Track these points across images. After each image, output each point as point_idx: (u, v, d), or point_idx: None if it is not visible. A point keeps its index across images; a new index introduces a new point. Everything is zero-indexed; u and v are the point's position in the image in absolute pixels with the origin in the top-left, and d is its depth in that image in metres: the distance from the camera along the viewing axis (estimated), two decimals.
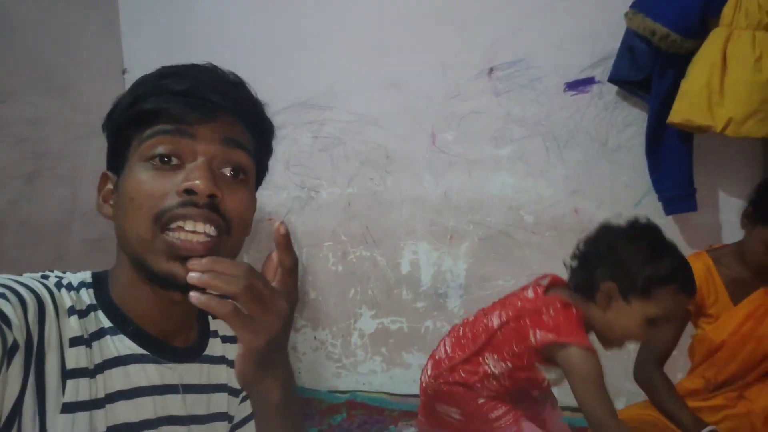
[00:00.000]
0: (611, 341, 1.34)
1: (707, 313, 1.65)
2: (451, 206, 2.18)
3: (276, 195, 2.40)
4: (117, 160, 0.69)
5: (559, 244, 2.13)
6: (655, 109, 1.86)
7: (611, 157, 2.06)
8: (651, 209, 2.01)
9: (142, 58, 2.44)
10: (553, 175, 2.12)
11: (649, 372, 1.69)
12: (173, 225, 0.62)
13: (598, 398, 1.28)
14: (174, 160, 0.64)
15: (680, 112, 1.73)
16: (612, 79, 1.97)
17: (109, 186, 0.71)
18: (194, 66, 0.69)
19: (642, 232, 1.31)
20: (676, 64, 1.78)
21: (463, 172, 2.19)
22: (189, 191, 0.62)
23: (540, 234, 2.14)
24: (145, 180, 0.64)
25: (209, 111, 0.65)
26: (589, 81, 2.06)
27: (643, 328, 1.27)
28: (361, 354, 2.37)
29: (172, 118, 0.64)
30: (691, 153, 1.86)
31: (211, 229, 0.64)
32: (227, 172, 0.67)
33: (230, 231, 0.66)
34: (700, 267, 1.63)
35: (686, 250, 1.87)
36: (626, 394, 2.07)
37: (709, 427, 1.51)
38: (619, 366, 2.08)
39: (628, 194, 2.06)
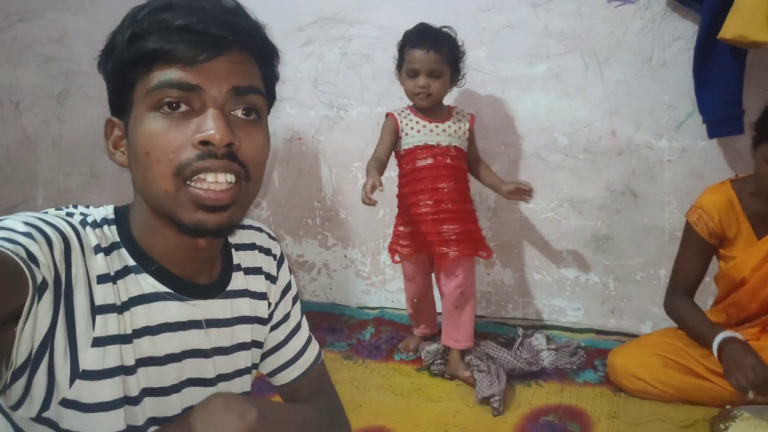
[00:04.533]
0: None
1: (729, 246, 1.61)
2: (482, 127, 2.11)
3: (304, 114, 2.36)
4: (121, 105, 0.67)
5: (593, 167, 2.06)
6: (707, 22, 1.71)
7: (655, 75, 1.94)
8: (693, 132, 1.91)
9: None
10: (591, 95, 2.01)
11: (675, 300, 1.68)
12: (195, 177, 0.63)
13: (379, 139, 1.88)
14: (183, 107, 0.63)
15: (733, 27, 1.58)
16: None
17: (117, 132, 0.69)
18: None
19: None
20: None
21: (495, 91, 2.10)
22: (205, 142, 0.62)
23: (573, 157, 2.07)
24: (158, 132, 0.62)
25: (215, 47, 0.62)
26: None
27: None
28: (389, 272, 2.41)
29: (177, 59, 0.61)
30: (742, 71, 1.72)
31: (231, 177, 0.64)
32: (239, 113, 0.66)
33: (249, 176, 0.66)
34: (721, 199, 1.57)
35: (729, 175, 1.80)
36: (652, 318, 2.07)
37: (727, 334, 1.51)
38: (647, 291, 2.07)
39: (670, 115, 1.94)
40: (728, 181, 1.63)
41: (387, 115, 1.91)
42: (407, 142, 1.86)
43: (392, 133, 1.86)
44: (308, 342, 0.94)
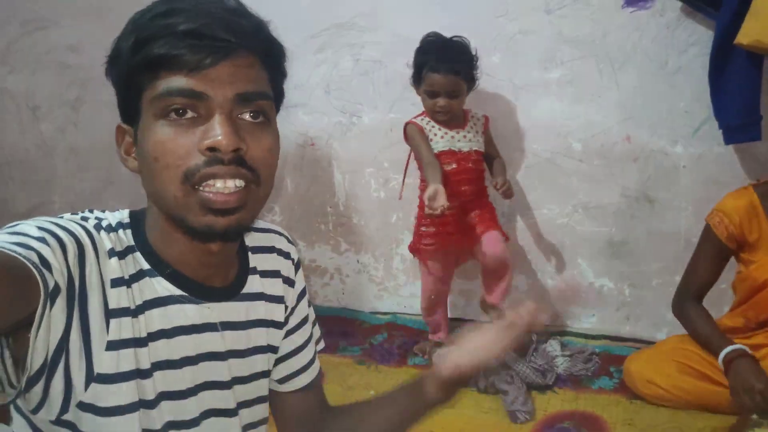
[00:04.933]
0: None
1: (751, 250, 1.60)
2: (496, 133, 2.11)
3: (317, 120, 2.37)
4: (130, 112, 0.67)
5: (608, 173, 2.05)
6: (723, 27, 1.71)
7: (670, 81, 1.93)
8: (709, 138, 1.90)
9: None
10: (606, 100, 2.01)
11: (684, 303, 1.68)
12: (203, 183, 0.62)
13: (416, 148, 1.94)
14: (190, 113, 0.62)
15: (751, 32, 1.58)
16: None
17: (128, 139, 0.69)
18: None
19: None
20: None
21: (509, 97, 2.10)
22: (212, 148, 0.61)
23: (588, 162, 2.07)
24: (166, 139, 0.62)
25: (220, 51, 0.62)
26: None
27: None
28: (402, 278, 2.41)
29: (182, 65, 0.61)
30: (759, 77, 1.72)
31: (240, 183, 0.64)
32: (247, 116, 0.65)
33: (259, 180, 0.66)
34: (743, 203, 1.57)
35: (745, 182, 1.79)
36: (668, 324, 2.06)
37: (736, 346, 1.50)
38: (662, 298, 2.05)
39: (685, 121, 1.94)
40: (750, 185, 1.63)
41: (408, 123, 1.97)
42: (432, 148, 1.93)
43: (424, 137, 1.94)
44: (315, 351, 0.94)
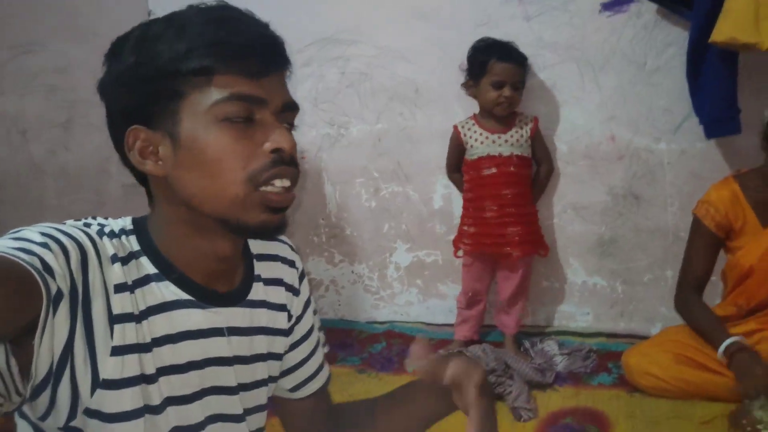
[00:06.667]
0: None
1: (737, 237, 1.65)
2: None
3: (306, 133, 2.39)
4: (152, 115, 0.67)
5: (594, 172, 2.10)
6: (698, 27, 1.77)
7: (649, 81, 1.99)
8: (691, 134, 1.95)
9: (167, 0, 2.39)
10: (588, 102, 2.06)
11: (685, 297, 1.71)
12: (267, 183, 0.67)
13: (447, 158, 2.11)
14: (248, 118, 0.67)
15: (724, 30, 1.63)
16: None
17: (144, 142, 0.68)
18: (228, 10, 0.68)
19: None
20: None
21: None
22: (276, 150, 0.67)
23: (574, 163, 2.11)
24: (229, 141, 0.65)
25: (272, 63, 0.68)
26: None
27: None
28: (397, 286, 2.42)
29: (244, 72, 0.65)
30: (735, 73, 1.77)
31: (288, 182, 0.69)
32: (286, 123, 0.71)
33: (297, 180, 0.72)
34: (726, 193, 1.63)
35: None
36: (661, 319, 2.09)
37: (735, 338, 1.54)
38: (654, 292, 2.09)
39: (666, 119, 1.99)
40: (731, 175, 1.68)
41: (454, 127, 2.07)
42: (472, 153, 2.01)
43: (456, 146, 2.06)
44: (323, 355, 0.95)
